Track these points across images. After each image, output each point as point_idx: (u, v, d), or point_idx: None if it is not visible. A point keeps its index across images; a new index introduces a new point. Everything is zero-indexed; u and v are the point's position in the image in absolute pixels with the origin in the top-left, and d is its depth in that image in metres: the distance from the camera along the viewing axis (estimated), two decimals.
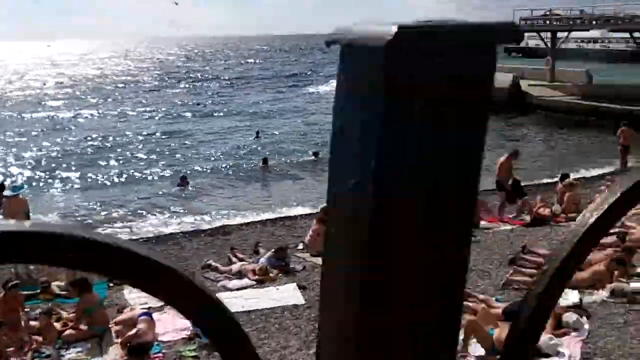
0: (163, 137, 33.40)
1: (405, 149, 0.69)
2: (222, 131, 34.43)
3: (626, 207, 0.75)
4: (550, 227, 14.18)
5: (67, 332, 10.08)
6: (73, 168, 25.94)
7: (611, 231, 13.01)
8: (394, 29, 0.64)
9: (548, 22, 38.68)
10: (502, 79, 36.98)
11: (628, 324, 9.11)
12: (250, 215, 18.09)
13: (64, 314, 10.54)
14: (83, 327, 10.09)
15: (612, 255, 10.53)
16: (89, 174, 24.80)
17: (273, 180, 23.51)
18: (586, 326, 8.95)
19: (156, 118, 40.94)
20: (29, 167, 26.36)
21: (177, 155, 28.67)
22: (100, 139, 32.95)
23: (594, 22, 36.71)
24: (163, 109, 44.71)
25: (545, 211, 15.04)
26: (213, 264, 12.73)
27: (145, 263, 0.60)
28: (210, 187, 22.58)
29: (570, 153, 26.24)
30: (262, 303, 10.65)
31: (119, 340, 9.82)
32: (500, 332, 7.95)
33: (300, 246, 13.65)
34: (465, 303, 9.82)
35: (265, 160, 25.62)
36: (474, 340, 8.27)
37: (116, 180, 24.06)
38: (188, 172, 24.04)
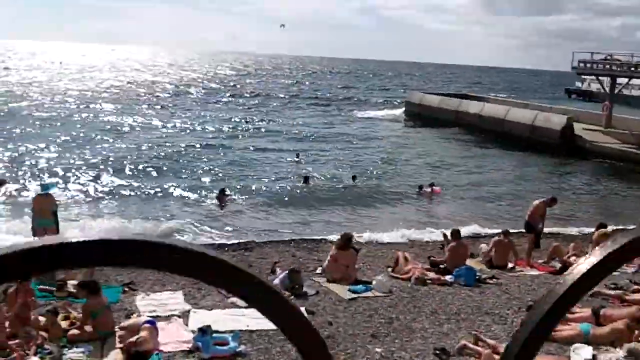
0: (205, 149, 33.60)
1: None
2: (264, 149, 34.48)
3: (612, 266, 0.74)
4: None
5: (72, 331, 10.09)
6: (115, 174, 26.25)
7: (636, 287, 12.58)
8: None
9: (608, 66, 37.80)
10: (555, 121, 36.37)
11: None
12: (275, 233, 18.05)
13: (74, 314, 10.57)
14: (88, 328, 10.09)
15: (636, 313, 10.09)
16: (129, 181, 25.06)
17: (306, 201, 23.33)
18: None
19: (202, 130, 41.27)
20: (75, 168, 26.79)
21: (217, 169, 28.82)
22: (145, 147, 33.38)
23: None
24: (210, 122, 45.10)
25: (576, 260, 14.55)
26: None
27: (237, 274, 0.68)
28: (245, 202, 22.57)
29: (617, 204, 25.51)
30: (268, 324, 10.46)
31: (121, 345, 9.80)
32: None
33: (319, 270, 13.49)
34: (473, 346, 9.55)
35: (306, 179, 25.62)
36: None
37: (154, 189, 24.28)
38: (227, 187, 24.11)
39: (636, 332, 9.79)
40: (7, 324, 9.63)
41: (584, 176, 30.95)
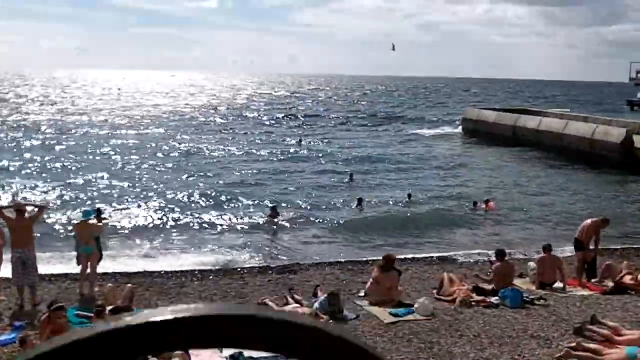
0: (258, 172, 33.83)
1: None
2: (318, 170, 34.44)
3: None
4: (631, 296, 13.09)
5: None
6: (164, 201, 26.60)
7: None
8: None
9: None
10: (614, 134, 35.31)
11: None
12: (323, 255, 17.90)
13: None
14: None
15: None
16: (179, 208, 25.28)
17: (358, 223, 23.07)
18: None
19: (254, 153, 41.52)
20: (130, 196, 27.30)
21: (271, 186, 29.02)
22: (201, 164, 33.98)
23: None
24: (263, 145, 45.39)
25: (630, 279, 13.94)
26: (269, 303, 12.54)
27: (338, 344, 0.60)
28: (297, 223, 22.52)
29: None
30: None
31: None
32: None
33: (361, 293, 13.27)
34: None
35: (360, 201, 25.40)
36: None
37: (208, 202, 24.62)
38: (281, 204, 24.22)
39: None
40: None
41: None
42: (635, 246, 18.55)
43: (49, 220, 20.74)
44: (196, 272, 15.85)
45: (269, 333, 0.60)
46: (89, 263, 13.92)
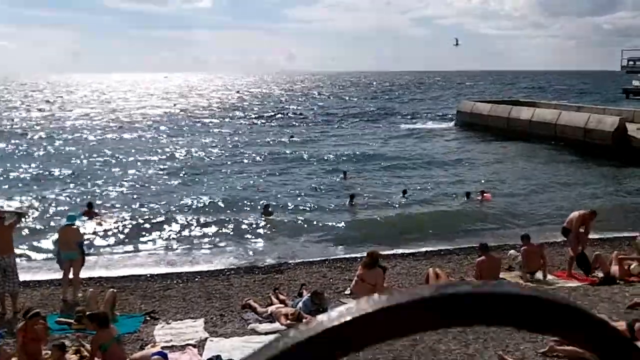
0: (250, 168, 33.72)
1: None
2: (310, 168, 34.24)
3: None
4: (620, 287, 12.89)
5: None
6: (159, 194, 26.46)
7: None
8: None
9: None
10: (608, 122, 35.12)
11: None
12: (313, 253, 17.73)
13: (88, 347, 10.43)
14: None
15: None
16: (172, 202, 25.12)
17: (350, 220, 22.90)
18: None
19: (247, 149, 41.33)
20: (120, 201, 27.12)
21: (263, 185, 28.87)
22: (188, 162, 33.86)
23: None
24: (250, 143, 45.18)
25: (619, 269, 13.74)
26: (252, 304, 12.37)
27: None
28: (288, 220, 22.37)
29: None
30: None
31: None
32: None
33: (347, 291, 13.08)
34: None
35: (352, 197, 25.21)
36: None
37: (201, 203, 24.44)
38: (273, 203, 24.05)
39: None
40: None
41: (633, 178, 29.68)
42: (625, 235, 18.35)
43: (31, 226, 20.56)
44: (182, 274, 15.68)
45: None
46: (71, 269, 13.75)
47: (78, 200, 25.39)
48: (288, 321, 11.25)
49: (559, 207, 23.46)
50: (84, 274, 14.80)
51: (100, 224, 20.98)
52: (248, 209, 24.11)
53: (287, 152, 40.08)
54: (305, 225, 21.62)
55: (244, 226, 21.41)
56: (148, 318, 12.38)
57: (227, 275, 15.25)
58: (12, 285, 13.07)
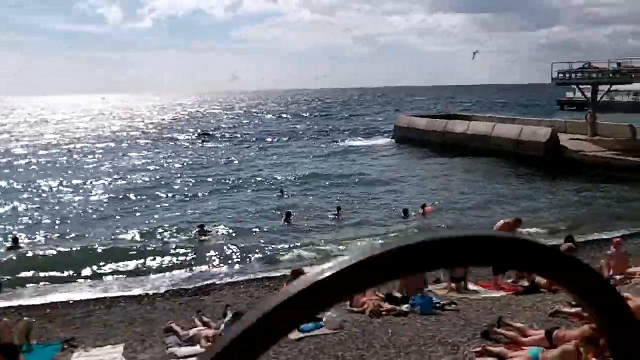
0: (187, 188, 33.33)
1: None
2: (247, 187, 33.94)
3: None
4: (543, 295, 12.99)
5: None
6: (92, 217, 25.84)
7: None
8: None
9: (587, 75, 37.29)
10: (541, 133, 35.84)
11: None
12: (244, 273, 17.47)
13: None
14: None
15: (585, 333, 9.38)
16: (98, 227, 24.57)
17: (285, 238, 22.73)
18: None
19: (185, 169, 40.89)
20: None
21: (200, 206, 28.49)
22: (126, 188, 33.22)
23: (633, 76, 35.23)
24: (193, 162, 44.80)
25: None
26: (175, 327, 12.03)
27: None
28: (224, 240, 22.10)
29: (598, 212, 24.93)
30: None
31: None
32: None
33: None
34: None
35: (288, 215, 25.04)
36: None
37: (136, 229, 23.95)
38: (206, 224, 23.77)
39: (587, 354, 9.09)
40: None
41: (567, 187, 30.38)
42: (554, 243, 18.60)
43: None
44: (106, 300, 15.25)
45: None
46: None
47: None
48: (209, 344, 10.95)
49: (493, 219, 23.75)
50: (2, 303, 14.33)
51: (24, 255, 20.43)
52: (183, 229, 23.75)
53: (224, 172, 39.73)
54: (238, 245, 21.34)
55: (172, 249, 21.00)
56: (66, 346, 11.93)
57: (152, 299, 14.88)
58: None
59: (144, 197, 31.12)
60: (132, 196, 31.24)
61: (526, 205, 26.54)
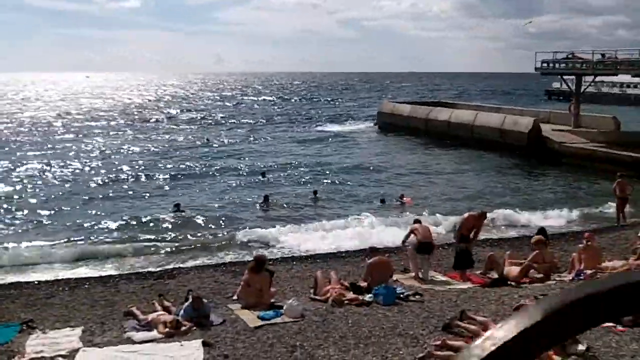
0: (163, 170, 33.06)
1: None
2: (228, 170, 33.66)
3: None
4: (510, 289, 12.88)
5: None
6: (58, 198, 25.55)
7: None
8: None
9: (571, 65, 37.17)
10: (523, 123, 35.78)
11: None
12: (208, 258, 17.35)
13: None
14: None
15: None
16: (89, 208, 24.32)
17: (262, 220, 22.59)
18: None
19: (161, 151, 40.52)
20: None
21: (177, 189, 28.25)
22: (102, 171, 32.90)
23: (618, 67, 35.14)
24: (169, 144, 44.43)
25: (513, 270, 13.77)
26: (135, 311, 11.82)
27: None
28: (199, 222, 21.94)
29: (576, 203, 24.94)
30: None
31: None
32: None
33: (235, 297, 12.65)
34: None
35: (266, 198, 24.90)
36: None
37: (111, 212, 23.65)
38: (182, 203, 23.63)
39: None
40: None
41: (548, 178, 30.40)
42: (526, 234, 18.56)
43: None
44: (71, 281, 15.02)
45: None
46: None
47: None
48: (166, 329, 10.77)
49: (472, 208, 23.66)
50: None
51: None
52: (159, 210, 23.57)
53: (205, 155, 39.45)
54: (210, 228, 21.18)
55: (151, 227, 20.86)
56: (24, 327, 11.70)
57: (116, 281, 14.64)
58: None
59: (122, 178, 30.82)
60: (108, 178, 30.89)
61: (502, 195, 26.54)
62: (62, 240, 19.44)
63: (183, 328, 10.80)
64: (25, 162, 35.28)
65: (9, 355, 10.21)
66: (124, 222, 21.76)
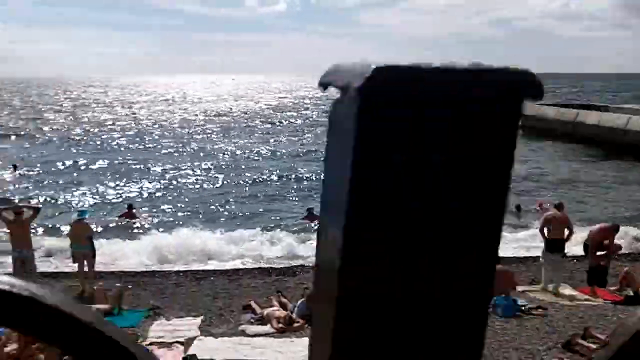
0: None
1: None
2: None
3: None
4: None
5: None
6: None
7: None
8: (371, 68, 0.53)
9: None
10: None
11: None
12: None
13: None
14: None
15: None
16: (206, 201, 25.19)
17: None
18: None
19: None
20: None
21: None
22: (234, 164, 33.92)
23: None
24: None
25: None
26: (253, 304, 12.09)
27: None
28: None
29: None
30: (266, 355, 9.82)
31: None
32: None
33: None
34: None
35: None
36: None
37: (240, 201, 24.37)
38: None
39: None
40: None
41: None
42: None
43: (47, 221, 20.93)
44: (199, 272, 15.63)
45: None
46: (85, 261, 13.83)
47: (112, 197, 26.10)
48: (279, 325, 10.93)
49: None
50: (104, 267, 15.09)
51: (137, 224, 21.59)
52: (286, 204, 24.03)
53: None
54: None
55: (279, 226, 21.21)
56: (151, 314, 12.31)
57: (239, 276, 15.06)
58: (31, 277, 13.21)
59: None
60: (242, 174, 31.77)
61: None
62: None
63: (295, 324, 10.92)
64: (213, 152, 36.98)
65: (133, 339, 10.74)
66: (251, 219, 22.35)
